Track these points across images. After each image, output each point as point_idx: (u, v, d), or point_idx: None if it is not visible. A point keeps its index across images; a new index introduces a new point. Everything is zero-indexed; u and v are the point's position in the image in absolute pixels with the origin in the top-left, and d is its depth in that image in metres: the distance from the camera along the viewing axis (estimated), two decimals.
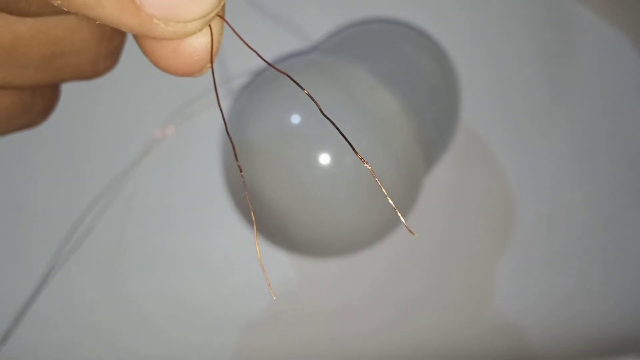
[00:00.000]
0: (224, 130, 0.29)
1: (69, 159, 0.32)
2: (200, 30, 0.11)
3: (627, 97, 0.33)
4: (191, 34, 0.11)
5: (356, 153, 0.13)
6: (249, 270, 0.31)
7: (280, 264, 0.31)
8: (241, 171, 0.13)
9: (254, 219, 0.14)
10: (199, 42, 0.12)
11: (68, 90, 0.31)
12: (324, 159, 0.25)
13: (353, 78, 0.26)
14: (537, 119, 0.33)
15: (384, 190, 0.13)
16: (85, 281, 0.31)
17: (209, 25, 0.12)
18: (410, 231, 0.14)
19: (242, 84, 0.31)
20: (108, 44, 0.14)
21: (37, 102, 0.15)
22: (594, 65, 0.33)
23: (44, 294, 0.30)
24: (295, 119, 0.25)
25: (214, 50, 0.12)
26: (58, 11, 0.12)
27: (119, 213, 0.31)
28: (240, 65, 0.31)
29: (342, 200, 0.26)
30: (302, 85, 0.14)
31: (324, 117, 0.13)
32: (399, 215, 0.13)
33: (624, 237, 0.32)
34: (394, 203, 0.13)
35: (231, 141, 0.13)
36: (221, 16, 0.12)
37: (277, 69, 0.13)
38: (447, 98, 0.29)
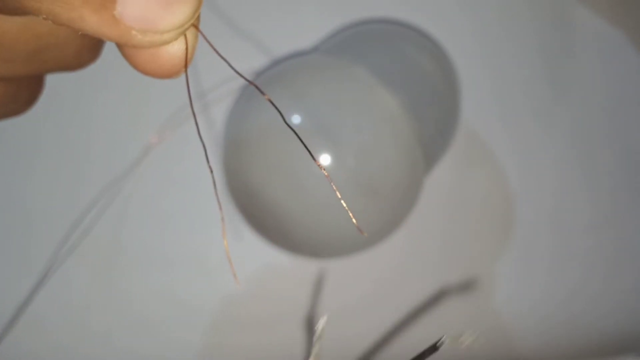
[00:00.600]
0: (224, 131, 0.29)
1: (68, 160, 0.32)
2: (176, 39, 0.12)
3: (627, 97, 0.33)
4: (167, 43, 0.12)
5: (315, 160, 0.13)
6: (249, 270, 0.31)
7: (281, 264, 0.31)
8: (211, 172, 0.14)
9: (221, 214, 0.15)
10: (175, 49, 0.13)
11: (69, 91, 0.31)
12: (324, 159, 0.25)
13: (353, 78, 0.26)
14: (537, 118, 0.33)
15: (338, 194, 0.14)
16: (84, 282, 0.31)
17: (184, 34, 0.13)
18: (360, 230, 0.14)
19: (242, 84, 0.31)
20: (91, 38, 0.14)
21: (22, 92, 0.16)
22: (594, 65, 0.33)
23: (41, 294, 0.30)
24: (296, 119, 0.25)
25: (189, 56, 0.13)
26: None
27: (118, 213, 0.31)
28: (238, 67, 0.31)
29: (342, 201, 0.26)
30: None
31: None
32: (350, 215, 0.13)
33: (625, 238, 0.32)
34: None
35: (201, 139, 0.14)
36: (195, 26, 0.13)
37: (245, 78, 0.14)
38: (448, 98, 0.29)
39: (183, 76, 0.13)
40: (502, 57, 0.33)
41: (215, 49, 0.14)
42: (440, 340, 0.13)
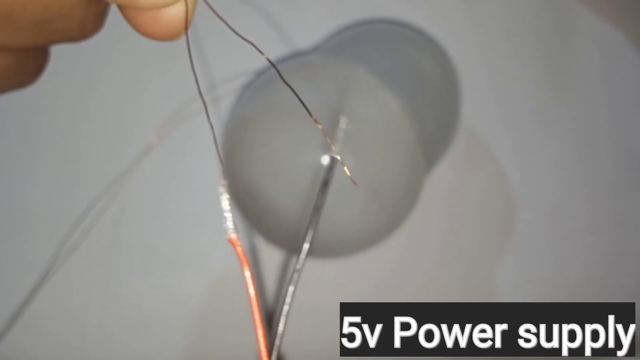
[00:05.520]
0: (224, 130, 0.29)
1: (68, 159, 0.32)
2: (177, 1, 0.13)
3: (628, 97, 0.33)
4: (169, 4, 0.13)
5: (312, 116, 0.14)
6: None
7: (280, 264, 0.31)
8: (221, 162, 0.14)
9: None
10: (176, 11, 0.13)
11: (68, 90, 0.31)
12: (324, 159, 0.25)
13: (354, 78, 0.26)
14: (537, 118, 0.33)
15: (333, 147, 0.14)
16: (84, 282, 0.31)
17: None
18: (354, 182, 0.15)
19: (244, 82, 0.31)
20: (95, 8, 0.15)
21: (29, 63, 0.16)
22: (594, 65, 0.33)
23: (41, 294, 0.30)
24: (297, 120, 0.25)
25: (189, 18, 0.13)
26: None
27: (118, 213, 0.31)
28: (241, 64, 0.31)
29: (343, 201, 0.26)
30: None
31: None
32: (345, 170, 0.14)
33: (625, 238, 0.32)
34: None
35: (212, 129, 0.14)
36: None
37: (247, 40, 0.14)
38: (448, 98, 0.29)
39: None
40: (503, 58, 0.33)
41: (218, 14, 0.14)
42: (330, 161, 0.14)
